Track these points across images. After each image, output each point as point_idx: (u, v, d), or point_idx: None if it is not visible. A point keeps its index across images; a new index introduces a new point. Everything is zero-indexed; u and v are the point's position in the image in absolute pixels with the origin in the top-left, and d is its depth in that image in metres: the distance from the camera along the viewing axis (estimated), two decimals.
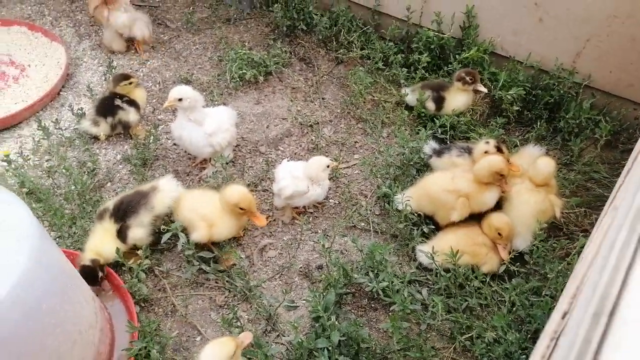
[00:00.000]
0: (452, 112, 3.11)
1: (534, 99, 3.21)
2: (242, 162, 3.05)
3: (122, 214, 2.41)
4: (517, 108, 3.15)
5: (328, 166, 2.65)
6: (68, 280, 1.86)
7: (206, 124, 2.71)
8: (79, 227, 2.59)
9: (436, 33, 3.39)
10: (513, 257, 2.52)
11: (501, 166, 2.49)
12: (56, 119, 3.10)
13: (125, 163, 3.00)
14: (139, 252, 2.40)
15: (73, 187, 2.74)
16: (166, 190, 2.51)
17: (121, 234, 2.40)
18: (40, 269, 1.61)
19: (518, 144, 3.07)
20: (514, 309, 2.38)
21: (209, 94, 3.39)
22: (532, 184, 2.61)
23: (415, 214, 2.64)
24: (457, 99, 3.12)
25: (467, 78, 3.05)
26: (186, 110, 2.67)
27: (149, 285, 2.48)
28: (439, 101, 3.14)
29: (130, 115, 3.02)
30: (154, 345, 2.13)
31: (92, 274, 2.24)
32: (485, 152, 2.64)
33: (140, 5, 3.95)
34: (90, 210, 2.67)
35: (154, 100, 3.37)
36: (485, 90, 3.11)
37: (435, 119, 3.14)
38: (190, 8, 4.02)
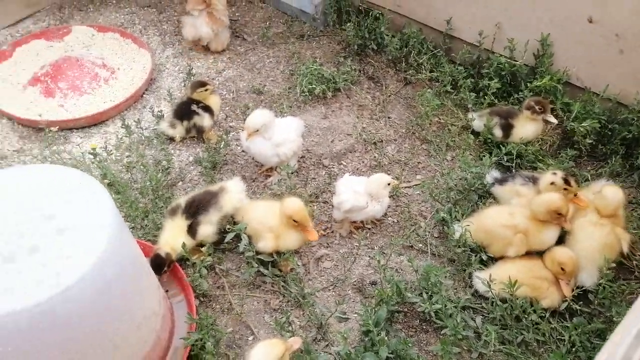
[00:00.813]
0: (519, 140, 3.07)
1: (609, 133, 3.10)
2: (306, 173, 3.13)
3: (194, 211, 2.54)
4: (591, 141, 3.05)
5: (389, 184, 2.69)
6: (139, 267, 1.99)
7: (274, 135, 2.81)
8: (150, 220, 2.75)
9: (508, 60, 3.36)
10: (576, 294, 2.43)
11: (559, 204, 2.42)
12: (138, 119, 3.33)
13: (196, 165, 3.16)
14: (203, 249, 2.52)
15: (148, 183, 2.92)
16: (234, 192, 2.63)
17: (191, 230, 2.52)
18: (116, 253, 1.73)
19: (589, 179, 2.97)
20: (574, 349, 2.29)
21: (279, 105, 3.52)
22: (597, 216, 2.53)
23: (474, 243, 2.61)
24: (526, 127, 3.07)
25: (537, 107, 3.00)
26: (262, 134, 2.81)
27: (209, 281, 2.59)
28: (507, 128, 3.11)
29: (204, 120, 3.19)
30: (210, 338, 2.23)
31: (159, 264, 2.37)
32: (552, 184, 2.57)
33: None
34: (162, 206, 2.83)
35: (227, 108, 3.54)
36: (555, 121, 3.04)
37: (501, 146, 3.10)
38: (267, 23, 4.21)
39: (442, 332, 2.30)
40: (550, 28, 3.18)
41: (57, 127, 3.22)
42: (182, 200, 2.62)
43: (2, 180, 1.84)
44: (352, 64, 3.74)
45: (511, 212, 2.57)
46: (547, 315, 2.40)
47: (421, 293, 2.43)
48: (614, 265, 2.40)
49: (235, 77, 3.78)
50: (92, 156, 2.90)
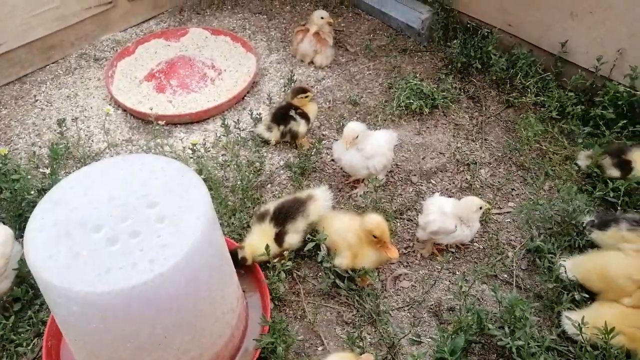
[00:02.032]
0: None
1: None
2: (393, 189, 3.10)
3: (282, 218, 2.58)
4: None
5: (480, 208, 2.58)
6: (223, 262, 2.08)
7: (366, 147, 2.82)
8: (237, 218, 2.87)
9: (627, 88, 3.10)
10: None
11: None
12: (237, 120, 3.49)
13: (286, 169, 3.25)
14: (285, 253, 2.58)
15: (239, 182, 3.05)
16: (321, 200, 2.65)
17: (278, 238, 2.58)
18: (207, 246, 1.83)
19: None
20: None
21: (373, 118, 3.52)
22: None
23: (576, 281, 2.43)
24: None
25: None
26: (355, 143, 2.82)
27: (286, 286, 2.64)
28: (624, 165, 2.85)
29: (300, 126, 3.28)
30: (281, 343, 2.27)
31: (236, 260, 2.45)
32: None
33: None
34: (249, 206, 2.94)
35: (322, 117, 3.60)
36: None
37: (608, 181, 2.86)
38: (371, 35, 4.24)
39: None
40: None
41: (164, 121, 3.46)
42: (270, 205, 2.67)
43: (112, 167, 2.01)
44: (453, 82, 3.66)
45: (637, 266, 2.35)
46: None
47: (502, 326, 2.30)
48: None
49: (333, 86, 3.84)
50: (191, 151, 3.09)
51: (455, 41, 3.72)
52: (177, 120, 3.58)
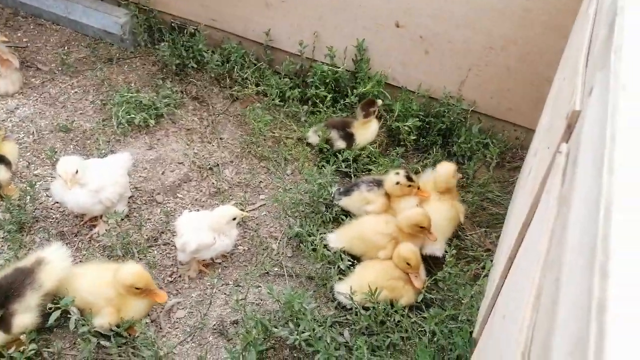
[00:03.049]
0: (365, 144, 3.14)
1: (427, 127, 3.34)
2: (138, 215, 2.79)
3: (3, 299, 2.03)
4: (414, 137, 3.25)
5: (234, 219, 2.50)
6: None
7: (91, 180, 2.43)
8: None
9: (330, 67, 3.42)
10: (428, 284, 2.56)
11: (420, 219, 2.57)
12: None
13: None
14: (22, 336, 2.05)
15: None
16: (55, 262, 2.17)
17: (4, 324, 2.02)
18: None
19: (419, 170, 3.16)
20: (435, 338, 2.39)
21: (94, 142, 3.09)
22: (438, 194, 2.79)
23: (338, 252, 2.59)
24: (366, 131, 3.15)
25: (370, 109, 3.10)
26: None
27: None
28: (349, 138, 3.15)
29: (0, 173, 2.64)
30: None
31: None
32: (397, 183, 2.72)
33: (6, 45, 3.54)
34: None
35: (29, 154, 2.99)
36: (380, 101, 3.18)
37: (337, 153, 3.14)
38: (65, 48, 3.68)
39: (315, 358, 2.21)
40: (364, 34, 3.31)
41: None
42: None
43: None
44: (173, 86, 3.46)
45: (387, 221, 2.66)
46: (407, 311, 2.47)
47: (287, 322, 2.30)
48: (454, 252, 2.60)
49: (33, 115, 3.21)
50: None
51: (163, 43, 3.51)
52: None
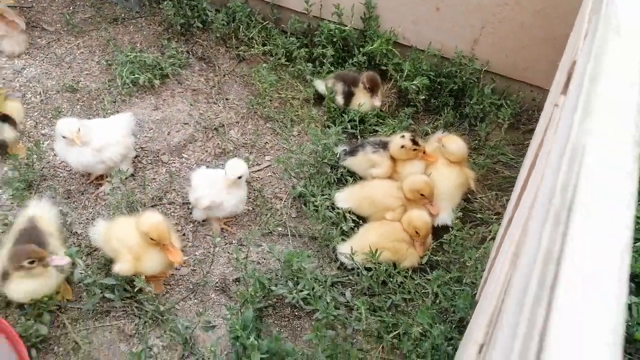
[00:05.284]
0: (358, 108, 3.05)
1: (439, 87, 3.24)
2: (143, 174, 2.79)
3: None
4: (424, 97, 3.16)
5: (240, 177, 2.47)
6: None
7: (94, 140, 2.43)
8: None
9: (337, 25, 3.32)
10: (434, 246, 2.53)
11: (421, 186, 2.54)
12: None
13: (5, 187, 2.63)
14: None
15: None
16: (45, 212, 2.25)
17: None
18: None
19: (429, 132, 3.08)
20: (437, 300, 2.38)
21: (100, 102, 3.08)
22: (446, 161, 2.72)
23: (342, 213, 2.57)
24: (364, 99, 3.05)
25: (367, 86, 2.99)
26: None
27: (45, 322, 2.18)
28: (349, 96, 3.07)
29: (3, 132, 2.66)
30: None
31: None
32: (402, 147, 2.65)
33: (10, 6, 3.52)
34: None
35: (36, 114, 3.00)
36: (378, 104, 3.04)
37: (343, 113, 3.08)
38: (70, 8, 3.65)
39: (314, 316, 2.22)
40: None
41: None
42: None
43: None
44: (178, 46, 3.41)
45: (399, 186, 2.62)
46: (410, 273, 2.45)
47: (287, 281, 2.31)
48: (460, 214, 2.56)
49: (40, 75, 3.21)
50: None
51: (166, 2, 3.44)
52: None
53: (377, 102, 3.02)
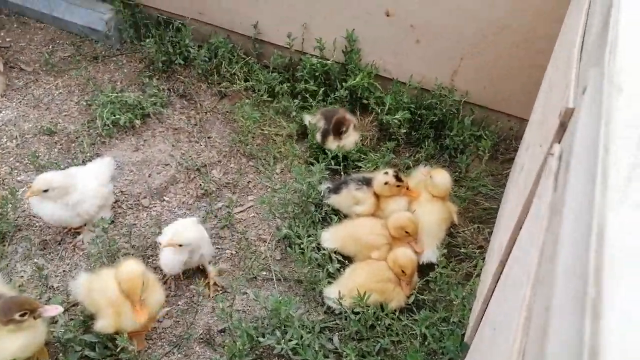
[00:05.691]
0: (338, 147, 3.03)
1: (419, 119, 3.24)
2: (123, 220, 2.74)
3: None
4: (405, 130, 3.16)
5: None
6: None
7: (68, 194, 2.37)
8: None
9: (319, 59, 3.31)
10: (420, 285, 2.50)
11: (405, 223, 2.53)
12: None
13: None
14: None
15: None
16: None
17: None
18: None
19: (411, 165, 3.07)
20: (426, 342, 2.35)
21: (79, 144, 3.03)
22: (429, 195, 2.70)
23: (327, 254, 2.54)
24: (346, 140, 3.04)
25: (342, 129, 2.97)
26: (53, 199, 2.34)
27: None
28: (325, 135, 3.04)
29: None
30: None
31: None
32: (386, 183, 2.64)
33: None
34: None
35: (12, 159, 2.94)
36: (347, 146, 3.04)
37: (327, 151, 3.06)
38: (50, 47, 3.60)
39: None
40: (353, 24, 3.19)
41: None
42: None
43: None
44: (159, 84, 3.38)
45: (383, 223, 2.61)
46: (397, 314, 2.42)
47: (274, 330, 2.26)
48: (445, 251, 2.54)
49: (16, 118, 3.16)
50: None
51: (148, 39, 3.41)
52: None
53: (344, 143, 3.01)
